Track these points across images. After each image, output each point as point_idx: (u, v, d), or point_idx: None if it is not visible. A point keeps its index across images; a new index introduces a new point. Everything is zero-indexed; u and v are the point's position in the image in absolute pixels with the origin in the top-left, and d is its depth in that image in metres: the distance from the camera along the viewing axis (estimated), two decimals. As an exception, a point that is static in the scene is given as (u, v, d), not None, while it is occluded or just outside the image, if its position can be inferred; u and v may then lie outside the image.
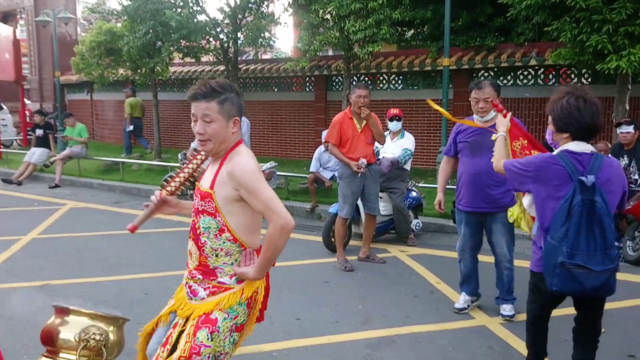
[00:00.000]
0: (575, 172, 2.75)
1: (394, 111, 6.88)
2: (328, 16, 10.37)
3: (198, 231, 2.46)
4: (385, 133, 6.81)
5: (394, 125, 6.82)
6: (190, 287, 2.53)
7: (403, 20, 10.85)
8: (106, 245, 6.98)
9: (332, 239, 6.48)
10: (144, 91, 15.84)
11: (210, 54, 12.35)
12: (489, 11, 11.68)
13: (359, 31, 9.48)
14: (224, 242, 2.43)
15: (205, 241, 2.44)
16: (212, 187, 2.40)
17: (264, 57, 15.20)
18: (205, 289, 2.47)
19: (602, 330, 4.38)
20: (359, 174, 5.84)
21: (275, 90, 13.99)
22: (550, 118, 2.98)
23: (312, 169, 8.60)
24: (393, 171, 6.61)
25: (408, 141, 6.87)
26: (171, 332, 2.49)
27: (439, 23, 12.40)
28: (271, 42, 12.02)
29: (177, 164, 10.28)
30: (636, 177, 6.59)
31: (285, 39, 73.70)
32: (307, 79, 13.34)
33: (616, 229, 6.52)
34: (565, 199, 2.73)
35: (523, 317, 4.59)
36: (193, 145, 8.67)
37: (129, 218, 8.42)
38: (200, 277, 2.48)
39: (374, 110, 10.99)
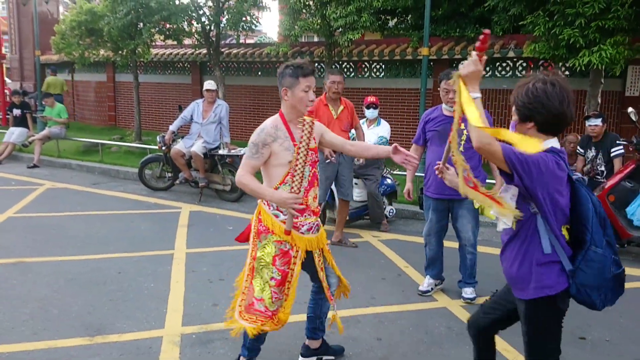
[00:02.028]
0: (569, 172, 2.45)
1: (370, 99, 6.99)
2: (310, 2, 10.41)
3: (318, 176, 3.25)
4: (362, 120, 6.93)
5: (370, 113, 6.94)
6: (318, 223, 3.29)
7: (385, 8, 10.94)
8: (82, 226, 7.03)
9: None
10: (126, 73, 15.78)
11: (192, 36, 12.32)
12: (470, 1, 11.81)
13: (339, 18, 9.56)
14: None
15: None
16: (315, 142, 3.18)
17: (248, 41, 15.20)
18: (318, 220, 3.29)
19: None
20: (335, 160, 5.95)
21: (258, 75, 14.01)
22: (514, 108, 2.52)
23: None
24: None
25: (384, 129, 6.99)
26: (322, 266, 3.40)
27: (421, 12, 12.49)
28: (253, 26, 12.01)
29: (156, 147, 10.32)
30: (602, 168, 6.78)
31: (271, 24, 73.13)
32: (289, 65, 13.36)
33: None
34: (590, 204, 2.39)
35: (483, 300, 4.78)
36: (172, 128, 8.71)
37: (106, 199, 8.58)
38: (320, 210, 3.28)
39: (354, 97, 11.15)
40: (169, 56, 14.88)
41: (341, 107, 6.07)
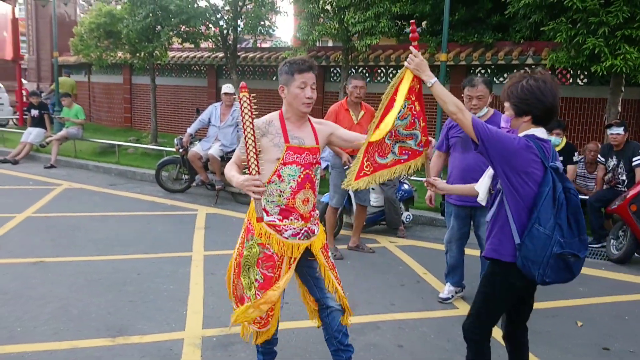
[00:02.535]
0: (545, 159, 2.63)
1: (389, 104, 6.96)
2: (328, 7, 10.42)
3: (315, 179, 3.10)
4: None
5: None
6: (308, 229, 3.08)
7: (402, 14, 10.91)
8: (100, 226, 7.06)
9: (323, 228, 6.58)
10: (142, 75, 15.87)
11: (210, 40, 12.37)
12: (488, 6, 11.76)
13: (358, 23, 9.55)
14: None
15: (316, 186, 3.13)
16: (317, 142, 3.08)
17: (264, 45, 15.25)
18: (317, 225, 3.17)
19: (579, 324, 4.56)
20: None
21: (274, 79, 14.04)
22: (506, 104, 2.81)
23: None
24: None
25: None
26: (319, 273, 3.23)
27: (437, 18, 12.47)
28: (271, 31, 12.05)
29: (173, 149, 10.35)
30: (623, 177, 6.71)
31: (285, 28, 73.39)
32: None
33: (602, 229, 6.69)
34: (548, 187, 2.59)
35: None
36: (189, 130, 8.74)
37: (123, 200, 8.62)
38: (315, 215, 3.15)
39: (371, 102, 11.06)
40: (186, 59, 14.95)
41: (362, 112, 6.05)
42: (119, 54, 13.61)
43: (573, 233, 2.63)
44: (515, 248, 2.68)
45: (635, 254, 6.14)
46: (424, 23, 13.57)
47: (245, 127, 2.78)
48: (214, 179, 8.72)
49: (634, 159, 6.62)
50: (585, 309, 4.82)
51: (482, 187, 3.01)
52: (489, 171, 2.91)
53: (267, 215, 3.01)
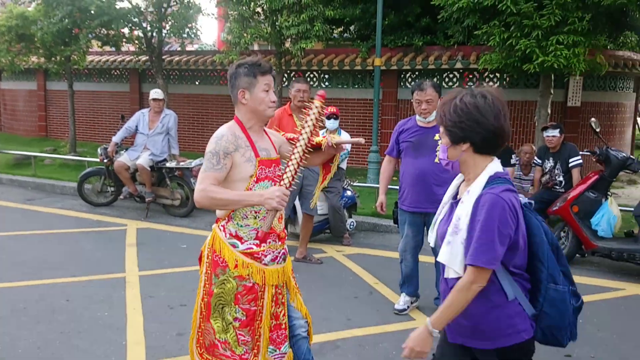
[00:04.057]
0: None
1: (331, 109, 6.75)
2: (259, 9, 10.11)
3: None
4: (322, 131, 6.69)
5: (331, 124, 6.69)
6: (285, 250, 2.82)
7: (333, 18, 10.80)
8: (21, 247, 6.40)
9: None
10: (58, 81, 14.89)
11: (133, 43, 11.72)
12: (417, 11, 11.87)
13: (292, 26, 9.31)
14: None
15: None
16: (277, 152, 2.80)
17: (188, 49, 14.66)
18: (285, 248, 2.86)
19: (539, 329, 4.48)
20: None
21: (202, 83, 13.54)
22: (441, 129, 2.21)
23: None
24: (330, 170, 6.49)
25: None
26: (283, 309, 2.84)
27: (367, 22, 12.47)
28: (199, 33, 11.59)
29: (95, 159, 9.69)
30: (561, 179, 6.84)
31: (208, 31, 71.96)
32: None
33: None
34: (540, 232, 2.11)
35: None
36: (115, 139, 8.16)
37: (44, 217, 7.93)
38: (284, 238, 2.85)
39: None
40: (105, 63, 14.13)
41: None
42: (33, 58, 12.66)
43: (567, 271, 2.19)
44: (522, 322, 2.11)
45: (577, 255, 6.24)
46: (351, 27, 13.56)
47: (304, 136, 2.59)
48: (143, 191, 8.18)
49: (570, 160, 6.76)
50: (540, 314, 4.77)
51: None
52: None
53: (242, 244, 2.67)
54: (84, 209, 8.53)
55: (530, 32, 7.43)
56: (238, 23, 9.92)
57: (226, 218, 2.68)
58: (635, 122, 14.22)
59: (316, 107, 2.65)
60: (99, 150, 8.47)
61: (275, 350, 2.78)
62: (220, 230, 2.71)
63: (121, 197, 8.38)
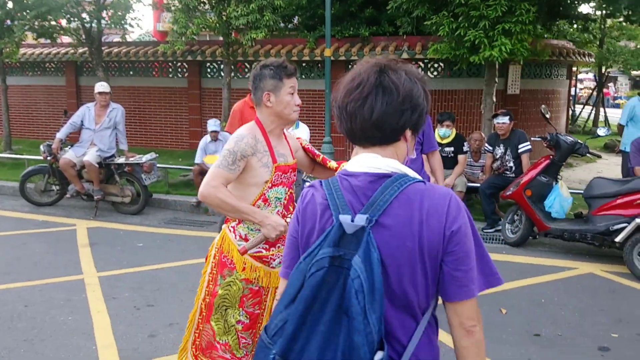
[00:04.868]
0: (344, 207, 1.42)
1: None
2: (205, -1, 9.88)
3: (294, 198, 2.74)
4: (290, 129, 6.63)
5: (289, 115, 6.65)
6: (273, 257, 2.67)
7: (280, 7, 10.68)
8: (-38, 253, 6.02)
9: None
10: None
11: (70, 34, 11.17)
12: (359, 1, 11.92)
13: (240, 16, 9.14)
14: None
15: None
16: (293, 157, 2.75)
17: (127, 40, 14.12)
18: None
19: (504, 311, 4.67)
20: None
21: (144, 75, 13.11)
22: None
23: (197, 160, 8.14)
24: (290, 162, 6.45)
25: (303, 131, 6.75)
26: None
27: (313, 12, 12.42)
28: (139, 23, 11.19)
29: (35, 157, 9.24)
30: (511, 164, 7.08)
31: (141, 21, 69.66)
32: (180, 64, 12.67)
33: (494, 214, 7.00)
34: (305, 256, 1.41)
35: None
36: (59, 135, 7.78)
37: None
38: None
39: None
40: (40, 56, 13.42)
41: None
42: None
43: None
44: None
45: (530, 237, 6.49)
46: (296, 18, 13.48)
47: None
48: (91, 189, 7.86)
49: (520, 146, 7.01)
50: (504, 296, 4.95)
51: None
52: None
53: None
54: (26, 209, 8.11)
55: (478, 23, 7.62)
56: (183, 13, 9.64)
57: (237, 220, 2.61)
58: (568, 107, 14.93)
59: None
60: (41, 147, 8.05)
61: None
62: (230, 231, 2.65)
63: (67, 195, 8.02)
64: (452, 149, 7.42)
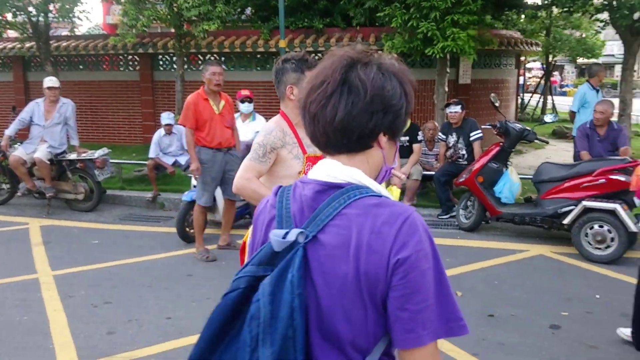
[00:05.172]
0: (288, 219, 1.23)
1: (244, 92, 6.69)
2: (156, -10, 9.71)
3: None
4: (236, 115, 6.61)
5: (245, 107, 6.64)
6: None
7: (232, -1, 10.62)
8: None
9: (188, 229, 6.16)
10: None
11: (16, 28, 10.79)
12: (312, -8, 11.93)
13: (192, 8, 9.02)
14: None
15: None
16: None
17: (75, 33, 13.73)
18: None
19: (459, 294, 4.81)
20: (220, 159, 5.62)
21: (94, 69, 12.78)
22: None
23: (151, 154, 8.02)
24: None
25: (260, 124, 6.75)
26: None
27: (264, 3, 12.35)
28: (87, 16, 10.89)
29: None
30: (464, 152, 7.27)
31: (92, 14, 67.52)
32: (131, 57, 12.41)
33: (449, 200, 7.18)
34: (235, 278, 1.20)
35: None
36: (8, 132, 7.53)
37: None
38: None
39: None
40: (-18, 50, 12.91)
41: (222, 102, 5.69)
42: None
43: None
44: None
45: (483, 222, 6.69)
46: (249, 10, 13.37)
47: None
48: (42, 186, 7.65)
49: (471, 134, 7.21)
50: (459, 279, 5.10)
51: None
52: None
53: None
54: (-26, 210, 7.85)
55: (429, 14, 7.76)
56: (133, 5, 9.45)
57: None
58: (517, 96, 15.36)
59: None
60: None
61: None
62: None
63: (18, 194, 7.79)
64: (407, 138, 7.54)
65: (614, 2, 8.05)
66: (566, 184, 5.86)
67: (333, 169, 1.23)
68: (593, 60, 19.89)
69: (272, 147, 2.60)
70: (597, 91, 7.72)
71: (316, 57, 2.41)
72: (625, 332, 3.83)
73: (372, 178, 1.25)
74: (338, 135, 1.20)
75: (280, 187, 1.32)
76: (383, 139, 1.23)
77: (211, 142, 5.57)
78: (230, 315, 1.16)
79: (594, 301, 4.62)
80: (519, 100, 20.29)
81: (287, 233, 1.15)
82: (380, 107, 1.19)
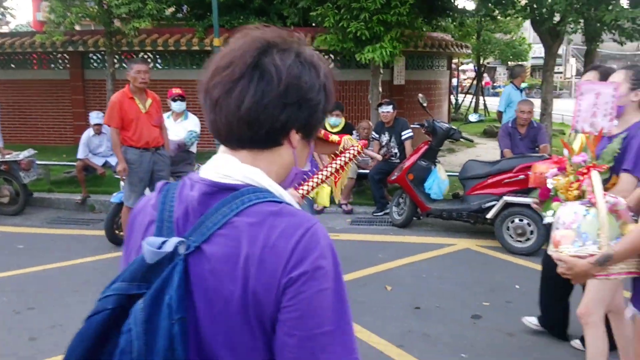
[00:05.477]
0: (169, 224, 1.04)
1: (176, 91, 6.61)
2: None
3: None
4: (167, 114, 6.53)
5: (177, 106, 6.55)
6: None
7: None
8: None
9: (117, 232, 6.03)
10: None
11: None
12: (247, -10, 11.92)
13: (122, 5, 8.83)
14: None
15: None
16: None
17: (1, 30, 13.17)
18: None
19: (389, 288, 4.94)
20: (147, 159, 5.52)
21: (20, 68, 12.25)
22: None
23: (80, 155, 7.79)
24: (179, 154, 6.38)
25: (192, 123, 6.68)
26: None
27: (199, 1, 12.21)
28: (13, 12, 10.47)
29: None
30: (396, 151, 7.45)
31: (20, 11, 64.64)
32: (60, 55, 11.99)
33: (383, 198, 7.34)
34: (101, 297, 0.98)
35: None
36: None
37: None
38: None
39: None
40: None
41: (149, 101, 5.61)
42: None
43: None
44: None
45: (414, 218, 6.88)
46: (184, 6, 13.19)
47: (332, 167, 2.64)
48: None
49: (403, 133, 7.41)
50: (390, 274, 5.24)
51: None
52: None
53: None
54: None
55: (359, 15, 7.91)
56: (61, 1, 9.14)
57: None
58: (450, 96, 15.83)
59: (355, 149, 2.66)
60: None
61: None
62: None
63: None
64: (341, 137, 7.65)
65: (535, 5, 8.44)
66: (489, 180, 6.11)
67: (227, 166, 1.04)
68: (522, 62, 20.76)
69: None
70: (521, 91, 8.09)
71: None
72: (531, 320, 4.05)
73: (279, 181, 1.08)
74: (243, 126, 1.02)
75: (167, 183, 1.11)
76: (295, 136, 1.06)
77: (138, 141, 5.48)
78: (94, 344, 0.94)
79: (514, 291, 4.85)
80: (453, 101, 20.94)
81: (164, 242, 0.95)
82: (295, 99, 1.02)
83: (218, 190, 1.02)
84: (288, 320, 0.92)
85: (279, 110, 1.01)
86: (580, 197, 2.16)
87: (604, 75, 2.89)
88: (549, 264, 3.29)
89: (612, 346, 3.10)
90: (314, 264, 0.94)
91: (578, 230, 2.00)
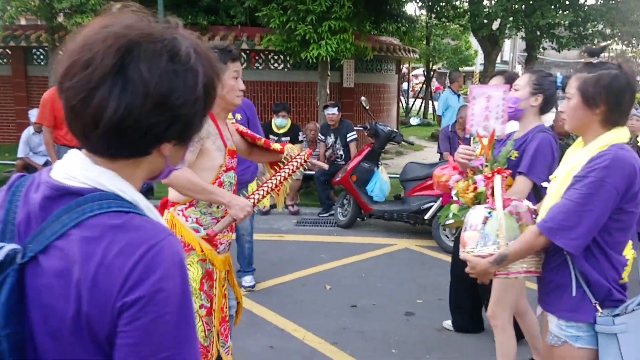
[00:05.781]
0: (11, 229, 0.97)
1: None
2: (25, -20, 9.20)
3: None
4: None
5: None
6: (229, 242, 2.69)
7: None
8: None
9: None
10: None
11: None
12: (194, -12, 11.85)
13: (64, 0, 8.65)
14: None
15: None
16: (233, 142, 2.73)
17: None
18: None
19: (328, 287, 5.06)
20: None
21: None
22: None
23: (20, 154, 7.61)
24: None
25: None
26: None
27: (149, -1, 12.05)
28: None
29: None
30: (341, 152, 7.59)
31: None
32: (2, 51, 11.63)
33: (328, 199, 7.46)
34: None
35: (263, 285, 4.98)
36: None
37: None
38: None
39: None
40: None
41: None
42: None
43: None
44: None
45: (358, 219, 7.03)
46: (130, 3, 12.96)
47: (283, 174, 2.72)
48: None
49: (347, 135, 7.55)
50: (331, 274, 5.35)
51: None
52: None
53: (203, 230, 2.55)
54: None
55: (306, 17, 8.02)
56: (1, -5, 8.91)
57: (187, 204, 2.55)
58: (399, 100, 16.14)
59: (301, 159, 2.73)
60: None
61: (225, 344, 2.70)
62: (179, 214, 2.55)
63: None
64: (288, 138, 7.72)
65: (474, 11, 8.72)
66: (428, 182, 6.31)
67: (74, 167, 0.94)
68: (468, 68, 21.32)
69: (199, 136, 2.44)
70: (458, 96, 8.38)
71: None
72: (449, 322, 4.25)
73: (147, 178, 1.00)
74: (103, 142, 0.92)
75: (22, 176, 1.01)
76: (167, 146, 0.96)
77: (71, 140, 5.37)
78: None
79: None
80: (404, 104, 21.34)
81: (0, 248, 0.87)
82: (166, 117, 0.91)
83: (61, 195, 0.92)
84: (123, 346, 0.87)
85: (146, 127, 0.90)
86: (476, 199, 2.31)
87: (509, 80, 2.95)
88: (458, 264, 3.45)
89: (520, 335, 3.28)
90: (154, 286, 0.86)
91: (482, 231, 2.14)
